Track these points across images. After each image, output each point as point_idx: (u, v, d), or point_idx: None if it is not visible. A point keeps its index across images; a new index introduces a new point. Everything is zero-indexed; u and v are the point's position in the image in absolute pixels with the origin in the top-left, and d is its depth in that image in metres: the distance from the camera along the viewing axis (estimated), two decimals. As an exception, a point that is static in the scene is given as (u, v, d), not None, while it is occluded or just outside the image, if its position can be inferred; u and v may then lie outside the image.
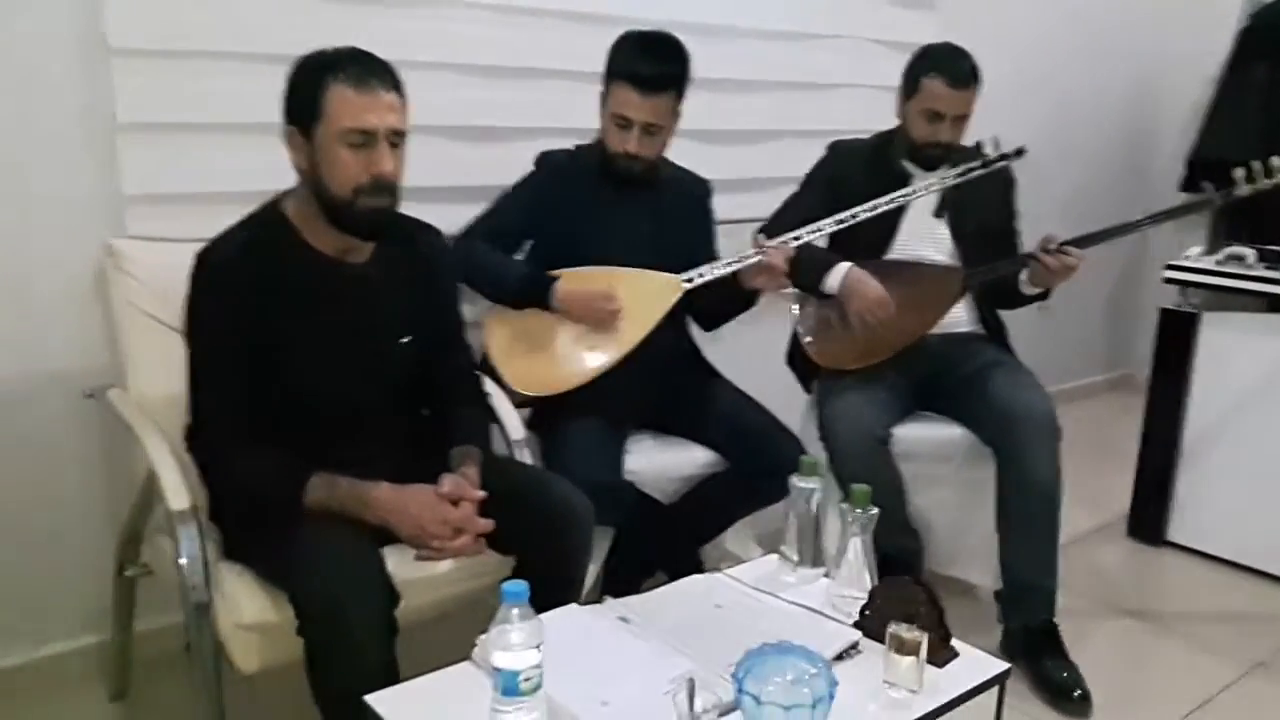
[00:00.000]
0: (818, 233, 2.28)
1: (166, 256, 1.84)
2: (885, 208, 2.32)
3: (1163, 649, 2.46)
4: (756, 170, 2.91)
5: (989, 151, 2.36)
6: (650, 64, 2.11)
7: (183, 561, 1.57)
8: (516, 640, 1.17)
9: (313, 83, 1.56)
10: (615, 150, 2.17)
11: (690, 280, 2.21)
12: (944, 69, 2.30)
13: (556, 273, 2.17)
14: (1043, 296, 2.43)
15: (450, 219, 1.94)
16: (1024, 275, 2.37)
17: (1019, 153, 2.36)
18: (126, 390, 1.87)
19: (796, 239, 2.23)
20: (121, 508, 1.94)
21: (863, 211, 2.30)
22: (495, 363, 2.15)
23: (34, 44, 1.91)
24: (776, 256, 2.14)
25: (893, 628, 1.36)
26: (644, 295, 2.20)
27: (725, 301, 2.28)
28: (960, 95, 2.30)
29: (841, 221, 2.29)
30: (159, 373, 1.83)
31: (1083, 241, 2.29)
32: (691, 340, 2.41)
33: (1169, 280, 2.89)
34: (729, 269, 2.20)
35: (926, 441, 2.37)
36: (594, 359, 2.15)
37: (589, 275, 2.19)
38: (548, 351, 2.17)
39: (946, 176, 2.34)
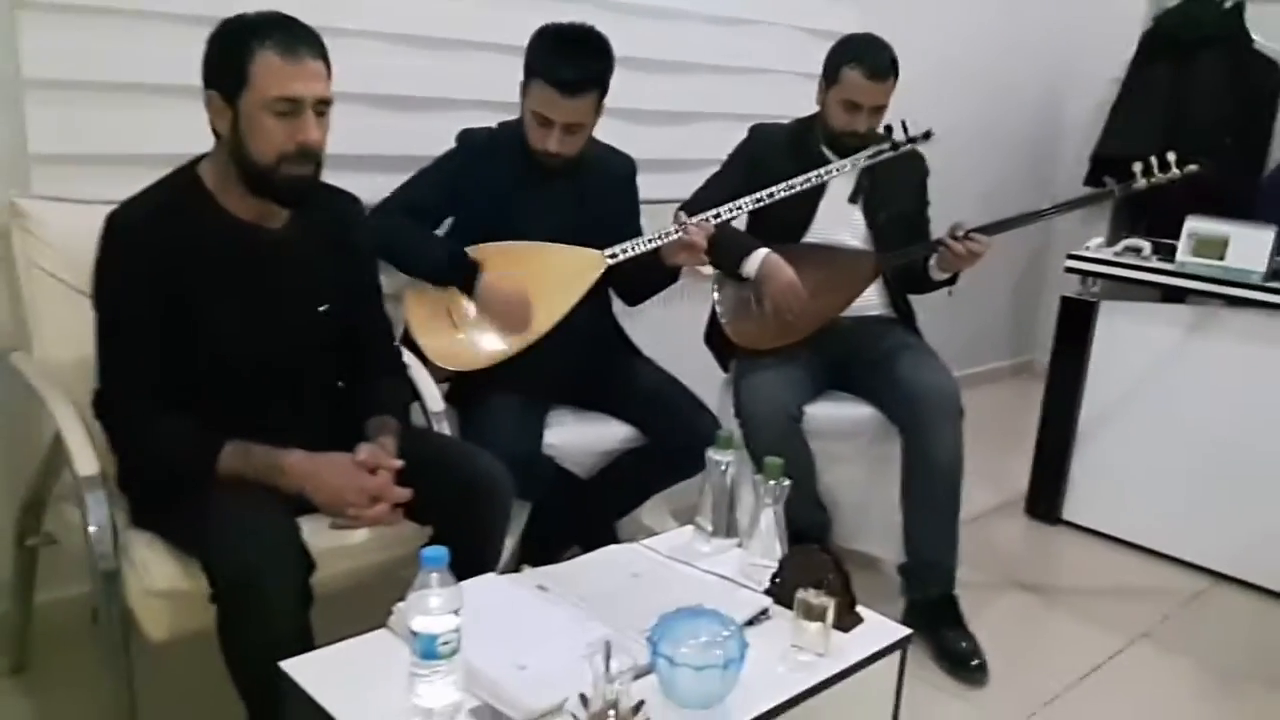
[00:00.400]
0: (738, 212, 2.32)
1: (74, 217, 1.80)
2: (801, 187, 2.36)
3: (1055, 621, 2.58)
4: (681, 151, 2.94)
5: (898, 135, 2.42)
6: (572, 66, 2.09)
7: (91, 529, 1.54)
8: (435, 604, 1.18)
9: (238, 49, 1.54)
10: (538, 146, 2.16)
11: (614, 255, 2.23)
12: (864, 61, 2.35)
13: (481, 248, 2.17)
14: (950, 281, 2.51)
15: (369, 188, 1.92)
16: (933, 261, 2.44)
17: (926, 135, 2.43)
18: (30, 354, 1.81)
19: (717, 216, 2.27)
20: (21, 477, 1.89)
21: (780, 190, 2.34)
22: (415, 336, 2.14)
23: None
24: (697, 234, 2.17)
25: (801, 594, 1.41)
26: (567, 271, 2.21)
27: (647, 277, 2.31)
28: (878, 87, 2.36)
29: (760, 200, 2.34)
30: (65, 337, 1.78)
31: (989, 229, 2.38)
32: (613, 317, 2.43)
33: (1070, 269, 3.01)
34: (651, 245, 2.22)
35: (837, 420, 2.44)
36: (517, 337, 2.16)
37: (512, 251, 2.19)
38: (468, 327, 2.17)
39: (858, 159, 2.39)
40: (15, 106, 1.93)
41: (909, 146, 2.41)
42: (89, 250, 1.60)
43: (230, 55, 1.55)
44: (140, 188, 1.63)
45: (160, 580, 1.55)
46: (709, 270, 2.42)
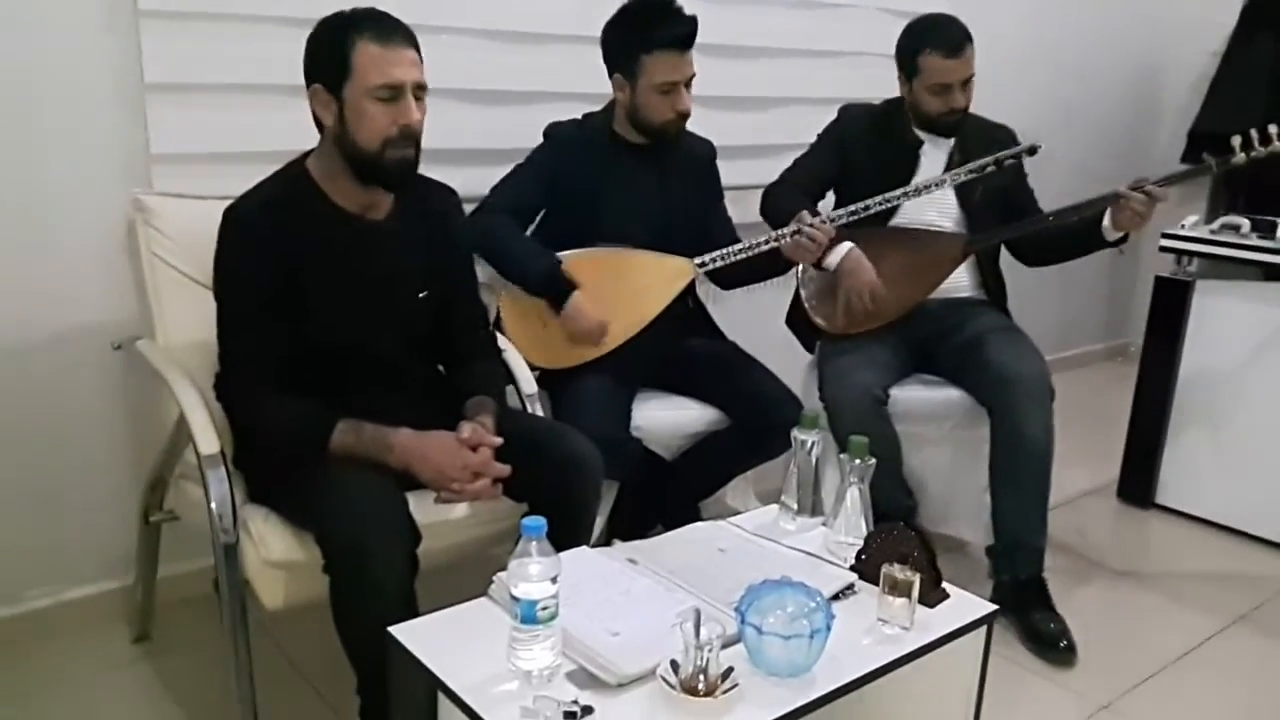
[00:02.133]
0: (854, 216, 2.33)
1: (192, 212, 1.92)
2: (914, 197, 2.38)
3: (1147, 604, 2.55)
4: (765, 137, 2.96)
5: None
6: (679, 23, 2.17)
7: (213, 504, 1.64)
8: (535, 571, 1.25)
9: (338, 41, 1.63)
10: (667, 118, 2.22)
11: (703, 265, 2.28)
12: (937, 42, 2.35)
13: (571, 253, 2.22)
14: (1123, 240, 2.44)
15: (463, 182, 2.00)
16: (1107, 221, 2.37)
17: (1032, 151, 2.40)
18: (154, 341, 1.93)
19: (834, 220, 2.29)
20: (146, 457, 2.02)
21: (898, 197, 2.36)
22: (506, 332, 2.21)
23: (67, 9, 1.96)
24: (819, 236, 2.22)
25: (886, 568, 1.44)
26: (656, 278, 2.27)
27: (760, 271, 2.35)
28: (960, 62, 2.36)
29: (881, 203, 2.34)
30: (185, 324, 1.89)
31: (1161, 183, 2.31)
32: (699, 301, 2.47)
33: (1164, 249, 2.95)
34: (742, 255, 2.27)
35: (923, 402, 2.44)
36: (606, 338, 2.23)
37: (604, 258, 2.25)
38: (558, 329, 2.23)
39: (958, 173, 2.38)
40: (138, 109, 2.06)
41: (1012, 160, 2.39)
42: (207, 242, 1.71)
43: (332, 49, 1.64)
44: (253, 183, 1.73)
45: (276, 552, 1.64)
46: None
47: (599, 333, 2.21)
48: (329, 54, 1.65)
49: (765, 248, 2.25)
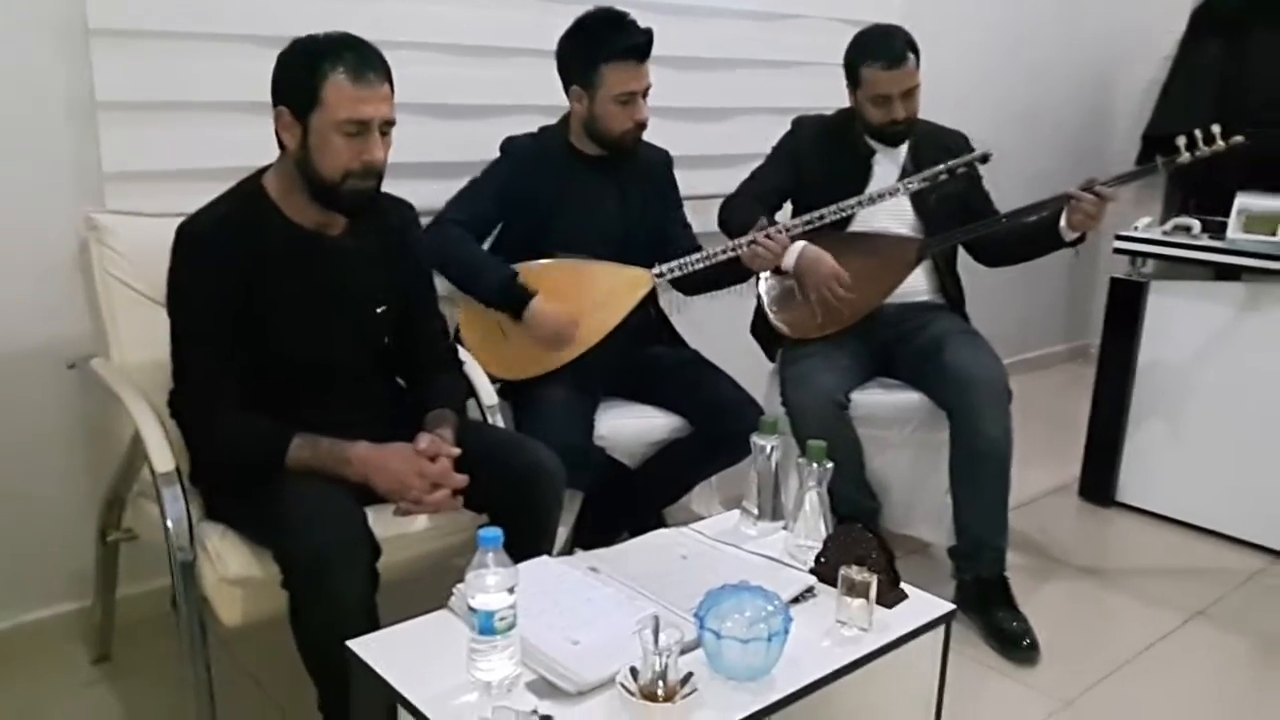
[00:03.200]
0: (812, 224, 2.35)
1: (145, 230, 1.90)
2: (869, 205, 2.40)
3: (1109, 601, 2.58)
4: (723, 147, 2.99)
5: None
6: (635, 34, 2.18)
7: (169, 522, 1.63)
8: (492, 582, 1.25)
9: (311, 70, 1.61)
10: (625, 128, 2.23)
11: (660, 275, 2.29)
12: (877, 54, 2.38)
13: (528, 268, 2.22)
14: (1079, 241, 2.44)
15: (422, 195, 2.00)
16: (1063, 222, 2.38)
17: (984, 158, 2.43)
18: (109, 360, 1.92)
19: (789, 229, 2.30)
20: (103, 476, 1.99)
21: (853, 206, 2.38)
22: (466, 346, 2.20)
23: (16, 26, 1.95)
24: (774, 245, 2.23)
25: (844, 570, 1.45)
26: (614, 288, 2.27)
27: (721, 279, 2.36)
28: (900, 73, 2.38)
29: (835, 212, 2.37)
30: (140, 342, 1.88)
31: (1111, 184, 2.35)
32: (660, 310, 2.49)
33: (1119, 250, 3.00)
34: (700, 264, 2.28)
35: (884, 405, 2.46)
36: (564, 350, 2.23)
37: (559, 269, 2.25)
38: (519, 341, 2.23)
39: (910, 182, 2.40)
40: (90, 128, 2.05)
41: (965, 167, 2.42)
42: (160, 260, 1.69)
43: (303, 76, 1.62)
44: (207, 200, 1.72)
45: (234, 568, 1.63)
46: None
47: (570, 329, 2.20)
48: (298, 80, 1.63)
49: (723, 257, 2.26)
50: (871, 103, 2.42)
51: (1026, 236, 2.49)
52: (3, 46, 1.94)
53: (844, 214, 2.39)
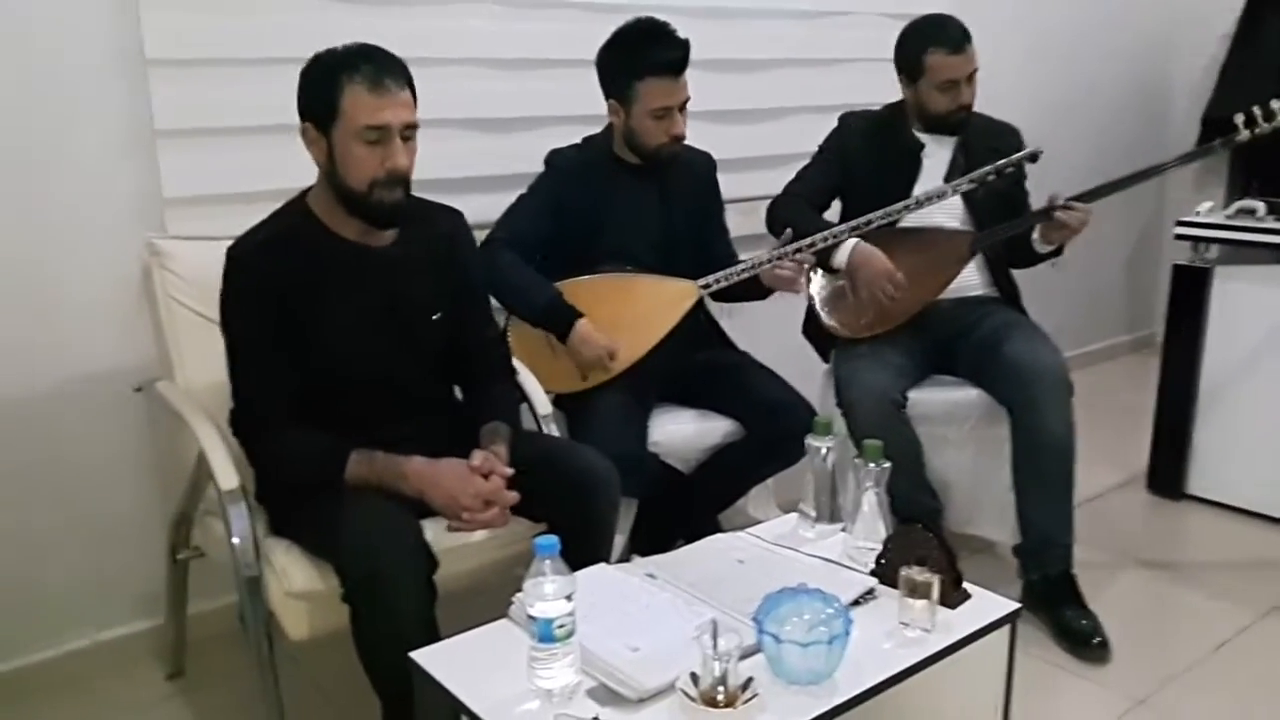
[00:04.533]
0: (835, 239, 2.33)
1: (206, 253, 1.92)
2: (914, 209, 2.38)
3: (1180, 597, 2.51)
4: (768, 147, 2.97)
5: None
6: (670, 48, 2.19)
7: (235, 539, 1.67)
8: (550, 590, 1.25)
9: (328, 82, 1.64)
10: (661, 141, 2.24)
11: (707, 286, 2.29)
12: (940, 40, 2.37)
13: (575, 281, 2.24)
14: (1056, 253, 2.48)
15: (468, 209, 2.02)
16: (1036, 234, 2.41)
17: (1034, 157, 2.40)
18: (174, 382, 1.96)
19: (812, 245, 2.29)
20: (171, 496, 2.04)
21: (878, 218, 2.35)
22: (520, 361, 2.22)
23: (77, 59, 2.01)
24: (794, 268, 2.23)
25: (905, 571, 1.44)
26: (661, 302, 2.28)
27: (744, 293, 2.36)
28: (964, 57, 2.37)
29: (857, 227, 2.35)
30: (204, 364, 1.92)
31: (1087, 196, 2.34)
32: (709, 314, 2.48)
33: (1180, 236, 2.93)
34: (745, 273, 2.27)
35: (942, 403, 2.43)
36: (613, 362, 2.23)
37: (608, 284, 2.26)
38: (566, 355, 2.24)
39: (960, 183, 2.38)
40: (150, 155, 2.10)
41: (1013, 167, 2.39)
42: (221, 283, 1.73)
43: (321, 89, 1.66)
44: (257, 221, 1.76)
45: (298, 583, 1.66)
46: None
47: (608, 358, 2.21)
48: (318, 94, 1.66)
49: (766, 266, 2.25)
50: (939, 89, 2.39)
51: (1016, 246, 2.47)
52: (64, 79, 2.00)
53: (890, 219, 2.36)
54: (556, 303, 2.21)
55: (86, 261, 2.09)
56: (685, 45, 2.20)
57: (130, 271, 2.08)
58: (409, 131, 1.69)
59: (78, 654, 2.20)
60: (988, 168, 2.37)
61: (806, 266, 2.27)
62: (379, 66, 1.65)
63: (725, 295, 2.38)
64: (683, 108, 2.24)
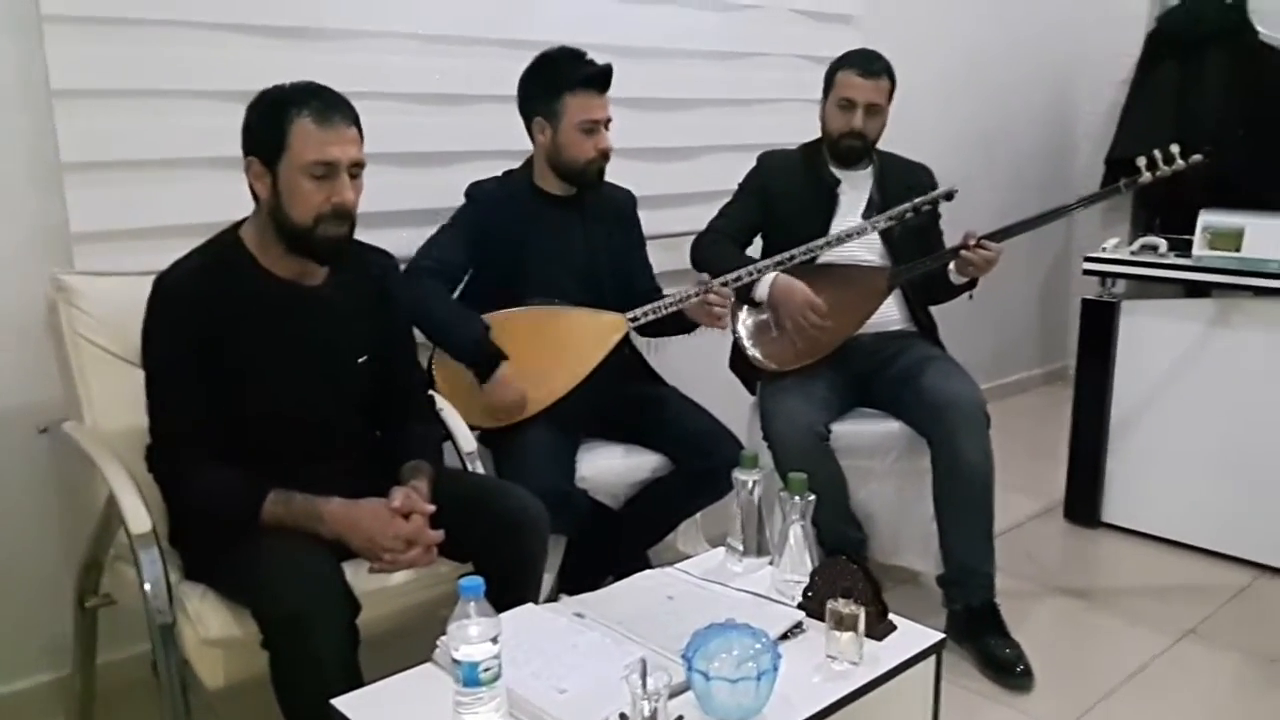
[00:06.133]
0: (758, 274, 2.37)
1: (115, 290, 1.89)
2: (832, 246, 2.43)
3: (1099, 623, 2.57)
4: (690, 185, 3.00)
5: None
6: (595, 66, 2.22)
7: (146, 585, 1.60)
8: (474, 633, 1.23)
9: (276, 117, 1.63)
10: (589, 157, 2.25)
11: (635, 319, 2.30)
12: (855, 62, 2.47)
13: (503, 314, 2.23)
14: (970, 286, 2.54)
15: (395, 243, 2.00)
16: (952, 267, 2.48)
17: (949, 195, 2.48)
18: (82, 423, 1.89)
19: (738, 280, 2.33)
20: (78, 541, 1.96)
21: (800, 253, 2.40)
22: (444, 395, 2.18)
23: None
24: (719, 301, 2.24)
25: (831, 604, 1.44)
26: (589, 334, 2.28)
27: (668, 327, 2.37)
28: (871, 84, 2.45)
29: (782, 262, 2.39)
30: (114, 404, 1.85)
31: (998, 235, 2.42)
32: (635, 348, 2.48)
33: (1088, 271, 3.03)
34: (673, 306, 2.29)
35: (865, 435, 2.47)
36: (541, 394, 2.22)
37: (537, 316, 2.25)
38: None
39: (878, 220, 2.44)
40: (56, 189, 2.04)
41: (930, 205, 2.46)
42: (131, 320, 1.68)
43: (269, 123, 1.64)
44: (177, 256, 1.71)
45: (214, 629, 1.60)
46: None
47: (517, 407, 2.20)
48: (265, 129, 1.64)
49: (694, 300, 2.26)
50: (838, 105, 2.47)
51: (932, 281, 2.54)
52: (-34, 112, 1.94)
53: (811, 254, 2.41)
54: (482, 342, 2.19)
55: (-11, 299, 2.01)
56: (609, 66, 2.24)
57: (35, 308, 2.00)
58: (356, 169, 1.68)
59: (-23, 709, 2.09)
60: (905, 205, 2.43)
61: (730, 301, 2.29)
62: (327, 103, 1.65)
63: (651, 329, 2.39)
64: (607, 125, 2.26)
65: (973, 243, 2.39)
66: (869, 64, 2.46)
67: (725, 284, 2.29)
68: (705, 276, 2.29)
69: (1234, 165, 3.14)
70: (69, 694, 2.11)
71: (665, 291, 2.38)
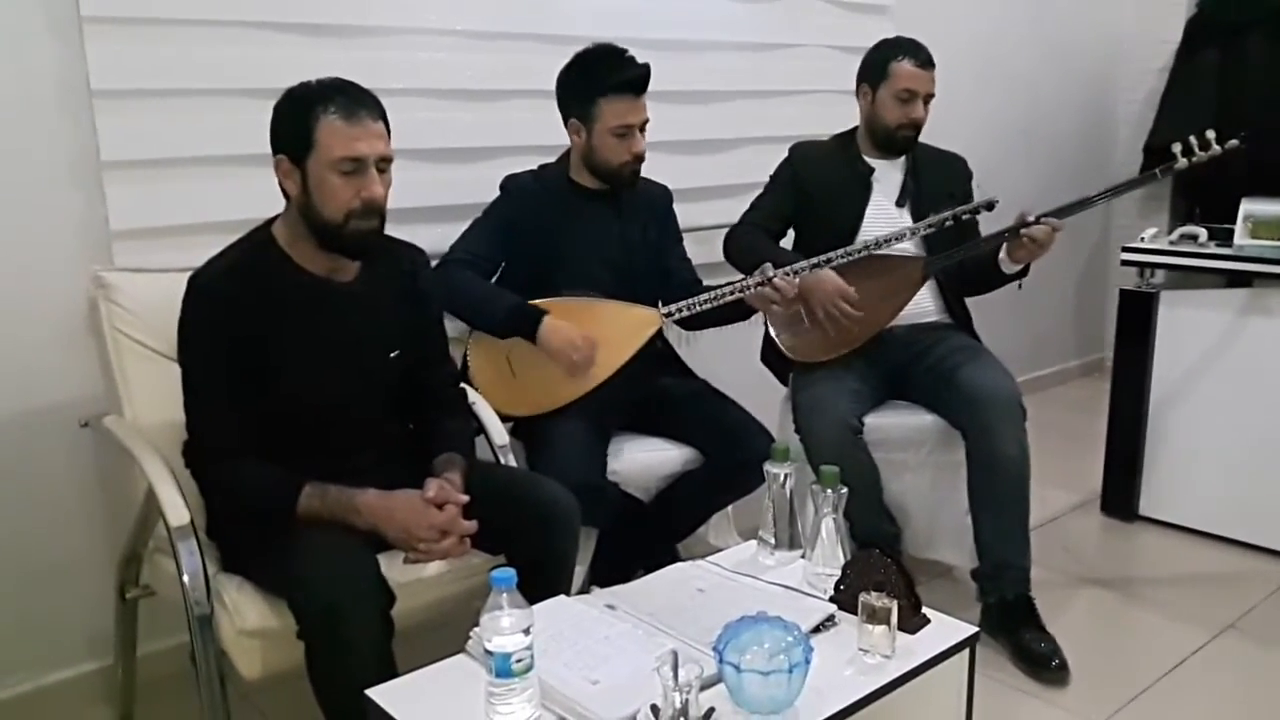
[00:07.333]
0: (820, 264, 2.35)
1: (154, 286, 1.92)
2: (874, 250, 2.39)
3: (1136, 618, 2.54)
4: (723, 177, 2.99)
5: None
6: (631, 68, 2.21)
7: (185, 576, 1.62)
8: (506, 624, 1.24)
9: (303, 115, 1.64)
10: (623, 160, 2.25)
11: (669, 314, 2.29)
12: (910, 52, 2.46)
13: (541, 303, 2.23)
14: (1023, 274, 2.50)
15: (428, 239, 2.01)
16: (1003, 254, 2.43)
17: (990, 205, 2.45)
18: (122, 417, 1.92)
19: (796, 272, 2.31)
20: (119, 534, 1.99)
21: (858, 251, 2.37)
22: (475, 385, 2.21)
23: (20, 90, 1.98)
24: (785, 287, 2.24)
25: (864, 597, 1.44)
26: (623, 327, 2.28)
27: (723, 317, 2.36)
28: (928, 74, 2.45)
29: (846, 256, 2.37)
30: (153, 399, 1.88)
31: (1059, 213, 2.37)
32: (667, 342, 2.49)
33: (1126, 262, 2.99)
34: (732, 297, 2.28)
35: (898, 428, 2.45)
36: (573, 385, 2.22)
37: (570, 307, 2.25)
38: (528, 377, 2.24)
39: (918, 227, 2.42)
40: (96, 186, 2.07)
41: (970, 215, 2.43)
42: (170, 316, 1.71)
43: (297, 121, 1.65)
44: (214, 252, 1.74)
45: (251, 621, 1.63)
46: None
47: (587, 345, 2.19)
48: (293, 127, 1.66)
49: (730, 298, 2.26)
50: (897, 97, 2.45)
51: (977, 268, 2.50)
52: (7, 111, 1.97)
53: (851, 257, 2.38)
54: (519, 306, 2.20)
55: (31, 295, 2.04)
56: (645, 67, 2.22)
57: (77, 305, 2.04)
58: (384, 164, 1.69)
59: (23, 698, 2.13)
60: (947, 213, 2.40)
61: (796, 290, 2.28)
62: (353, 99, 1.66)
63: (695, 322, 2.38)
64: (643, 128, 2.26)
65: (1032, 219, 2.34)
66: (922, 53, 2.46)
67: (789, 274, 2.27)
68: (769, 269, 2.26)
69: (1277, 152, 3.08)
70: (111, 684, 2.15)
71: (706, 284, 2.37)
